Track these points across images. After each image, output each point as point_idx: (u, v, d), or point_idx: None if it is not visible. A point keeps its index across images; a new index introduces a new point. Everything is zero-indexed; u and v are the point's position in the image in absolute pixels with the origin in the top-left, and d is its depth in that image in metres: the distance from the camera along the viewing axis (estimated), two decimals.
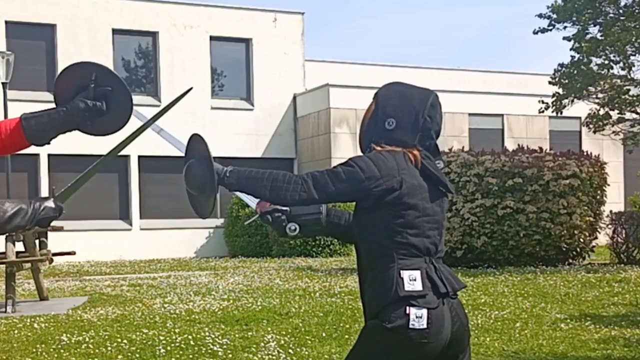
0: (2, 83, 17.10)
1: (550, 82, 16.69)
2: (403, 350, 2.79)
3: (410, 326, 2.76)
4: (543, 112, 17.00)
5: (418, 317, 2.77)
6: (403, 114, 2.95)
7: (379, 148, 2.92)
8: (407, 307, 2.76)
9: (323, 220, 3.06)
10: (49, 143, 2.91)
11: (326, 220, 3.07)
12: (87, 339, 6.97)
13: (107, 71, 2.85)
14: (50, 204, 2.82)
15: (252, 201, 3.07)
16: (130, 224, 21.08)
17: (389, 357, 2.80)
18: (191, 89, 3.05)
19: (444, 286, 2.83)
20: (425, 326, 2.77)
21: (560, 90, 16.42)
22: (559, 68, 16.48)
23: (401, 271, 2.80)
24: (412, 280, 2.80)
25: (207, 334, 7.15)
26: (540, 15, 16.56)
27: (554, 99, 16.50)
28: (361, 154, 3.01)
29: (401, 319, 2.76)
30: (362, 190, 2.82)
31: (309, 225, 3.04)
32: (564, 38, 16.45)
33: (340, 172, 2.86)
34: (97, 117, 2.84)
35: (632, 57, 16.16)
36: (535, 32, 16.77)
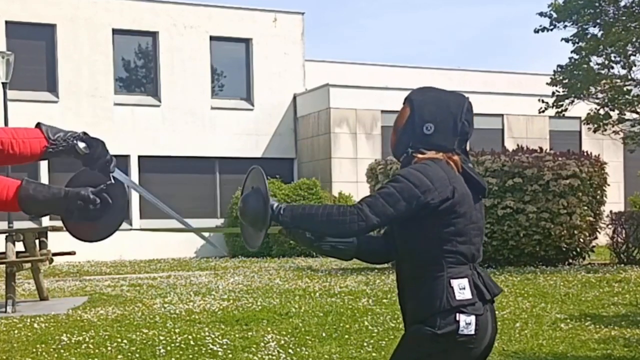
0: (2, 83, 17.10)
1: (549, 84, 16.70)
2: (450, 356, 2.86)
3: (460, 332, 2.82)
4: (543, 111, 16.99)
5: (467, 323, 2.84)
6: (441, 119, 2.96)
7: (420, 155, 2.93)
8: (457, 314, 2.82)
9: (353, 250, 2.99)
10: (35, 216, 2.79)
11: (357, 250, 3.00)
12: (87, 339, 6.96)
13: (122, 186, 2.74)
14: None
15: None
16: (130, 224, 21.08)
17: None
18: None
19: (487, 292, 2.92)
20: (473, 332, 2.85)
21: (560, 90, 16.42)
22: (558, 70, 16.48)
23: (451, 280, 2.84)
24: (461, 289, 2.85)
25: (207, 334, 7.15)
26: (541, 14, 16.55)
27: (554, 99, 16.50)
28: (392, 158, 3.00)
29: (451, 325, 2.82)
30: (420, 205, 2.81)
31: (338, 252, 2.98)
32: (563, 39, 16.46)
33: (393, 192, 2.82)
34: (85, 216, 2.64)
35: (632, 57, 16.16)
36: (536, 31, 16.76)
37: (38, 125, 2.69)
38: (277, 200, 2.98)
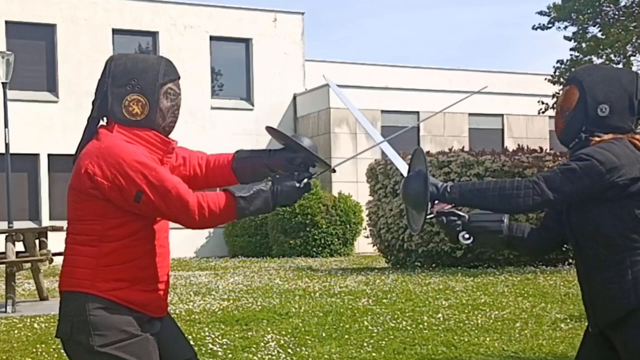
0: (2, 83, 17.10)
1: (549, 81, 16.70)
2: None
3: None
4: (544, 112, 16.99)
5: None
6: (616, 99, 2.78)
7: (596, 138, 2.76)
8: None
9: (504, 232, 2.86)
10: (247, 179, 3.03)
11: (507, 234, 2.88)
12: None
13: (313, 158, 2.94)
14: (291, 183, 2.84)
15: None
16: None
17: None
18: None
19: None
20: None
21: (561, 90, 16.44)
22: (558, 65, 16.48)
23: None
24: None
25: (207, 334, 7.14)
26: (540, 13, 16.58)
27: (554, 100, 16.51)
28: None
29: None
30: (603, 184, 2.64)
31: (486, 235, 2.86)
32: (565, 37, 16.47)
33: (575, 168, 2.67)
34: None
35: (632, 57, 16.17)
36: (534, 28, 16.78)
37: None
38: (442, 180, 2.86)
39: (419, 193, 2.80)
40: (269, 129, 3.09)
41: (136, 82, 2.79)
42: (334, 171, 3.04)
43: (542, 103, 16.61)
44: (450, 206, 2.85)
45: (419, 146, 3.05)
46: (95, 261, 2.75)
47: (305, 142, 2.92)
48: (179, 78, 2.90)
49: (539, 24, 16.59)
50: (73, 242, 2.81)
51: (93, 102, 2.88)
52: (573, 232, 2.81)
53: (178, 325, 3.05)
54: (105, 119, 2.86)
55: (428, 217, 2.83)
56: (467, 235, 2.82)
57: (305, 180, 2.84)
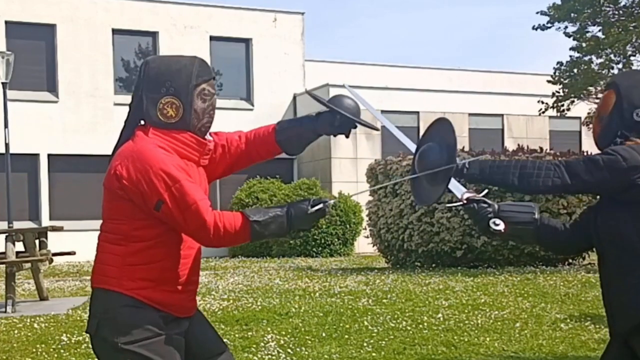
0: (2, 83, 17.10)
1: (549, 81, 16.70)
2: None
3: None
4: (544, 112, 17.00)
5: None
6: None
7: (630, 142, 2.72)
8: None
9: (536, 223, 2.80)
10: (296, 149, 3.11)
11: (539, 225, 2.81)
12: (87, 339, 6.95)
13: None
14: (305, 207, 2.83)
15: (458, 190, 2.84)
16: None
17: None
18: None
19: None
20: None
21: (561, 90, 16.43)
22: (558, 66, 16.48)
23: None
24: None
25: None
26: (540, 12, 16.58)
27: (554, 99, 16.53)
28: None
29: None
30: (623, 181, 2.61)
31: (517, 224, 2.77)
32: (565, 34, 16.47)
33: (598, 159, 2.65)
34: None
35: (632, 57, 16.17)
36: (534, 28, 16.78)
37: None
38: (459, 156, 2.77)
39: (441, 165, 2.74)
40: (310, 94, 3.16)
41: (170, 85, 2.81)
42: (378, 130, 3.10)
43: (542, 103, 16.61)
44: (482, 194, 2.81)
45: (444, 117, 2.98)
46: (122, 260, 2.79)
47: (345, 104, 2.93)
48: (213, 78, 2.92)
49: (540, 24, 16.61)
50: (104, 239, 2.87)
51: (130, 105, 2.92)
52: (597, 235, 2.79)
53: (208, 321, 3.07)
54: (142, 121, 2.88)
55: (455, 204, 2.79)
56: (497, 222, 2.74)
57: (319, 205, 2.82)
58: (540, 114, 17.17)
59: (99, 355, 2.85)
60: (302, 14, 23.83)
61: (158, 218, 2.76)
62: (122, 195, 2.75)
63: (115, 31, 21.70)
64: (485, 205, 2.77)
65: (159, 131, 2.81)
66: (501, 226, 2.73)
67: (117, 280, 2.79)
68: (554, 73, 16.52)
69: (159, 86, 2.81)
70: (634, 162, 2.62)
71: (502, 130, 24.04)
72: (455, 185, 2.85)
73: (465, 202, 2.80)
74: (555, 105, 16.46)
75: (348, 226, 18.95)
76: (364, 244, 18.23)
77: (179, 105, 2.81)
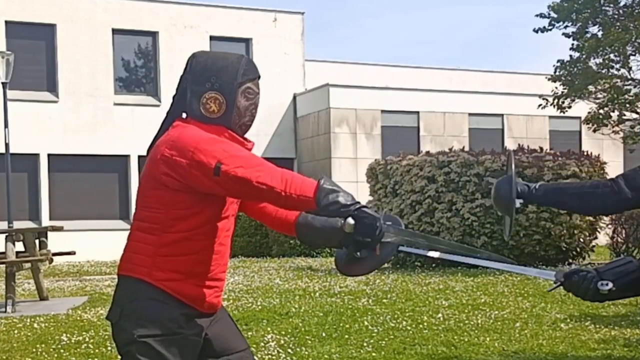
0: (2, 83, 17.10)
1: (549, 79, 16.70)
2: None
3: None
4: (544, 107, 16.97)
5: None
6: None
7: None
8: None
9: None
10: (309, 245, 3.05)
11: None
12: (87, 339, 6.96)
13: (393, 245, 2.84)
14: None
15: (546, 275, 2.74)
16: (130, 224, 21.11)
17: None
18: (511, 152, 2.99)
19: None
20: None
21: (561, 88, 16.43)
22: (558, 65, 16.48)
23: None
24: None
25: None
26: (540, 15, 16.58)
27: (553, 96, 16.54)
28: None
29: None
30: None
31: (623, 278, 2.57)
32: (564, 35, 16.46)
33: None
34: (354, 254, 2.77)
35: (631, 57, 16.16)
36: (535, 31, 16.78)
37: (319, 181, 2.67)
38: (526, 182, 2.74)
39: (506, 197, 2.76)
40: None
41: (215, 80, 2.82)
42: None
43: (542, 98, 16.63)
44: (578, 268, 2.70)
45: (510, 149, 2.94)
46: (154, 249, 2.78)
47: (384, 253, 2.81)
48: (258, 77, 2.91)
49: (540, 27, 16.61)
50: (137, 228, 2.86)
51: (173, 97, 2.93)
52: None
53: (232, 319, 3.07)
54: (184, 114, 2.89)
55: (555, 287, 2.69)
56: (604, 282, 2.59)
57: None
58: (540, 108, 17.13)
59: (117, 342, 2.86)
60: (302, 14, 23.84)
61: (215, 191, 2.70)
62: (165, 181, 2.74)
63: (115, 31, 21.71)
64: (585, 272, 2.65)
65: (200, 125, 2.81)
66: (610, 285, 2.61)
67: (148, 270, 2.77)
68: (555, 71, 16.52)
69: (204, 81, 2.83)
70: None
71: (502, 130, 24.04)
72: (540, 272, 2.83)
73: (563, 280, 2.69)
74: (555, 102, 16.46)
75: None
76: None
77: (222, 102, 2.82)
